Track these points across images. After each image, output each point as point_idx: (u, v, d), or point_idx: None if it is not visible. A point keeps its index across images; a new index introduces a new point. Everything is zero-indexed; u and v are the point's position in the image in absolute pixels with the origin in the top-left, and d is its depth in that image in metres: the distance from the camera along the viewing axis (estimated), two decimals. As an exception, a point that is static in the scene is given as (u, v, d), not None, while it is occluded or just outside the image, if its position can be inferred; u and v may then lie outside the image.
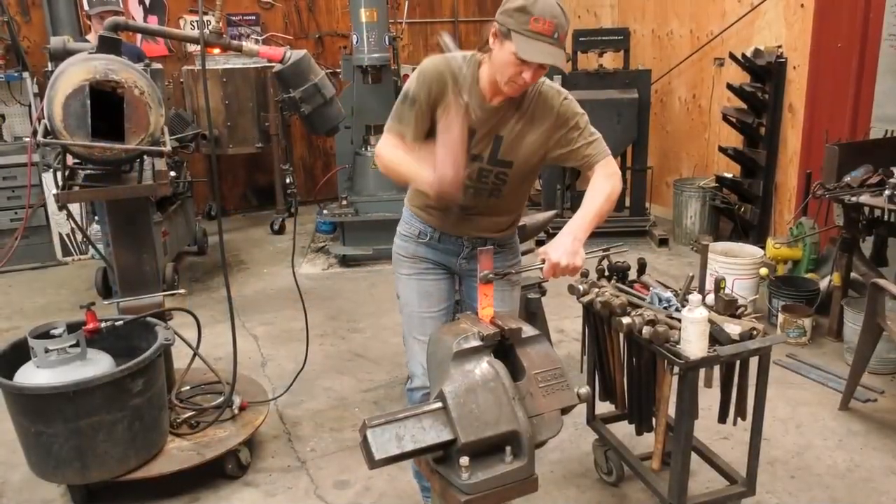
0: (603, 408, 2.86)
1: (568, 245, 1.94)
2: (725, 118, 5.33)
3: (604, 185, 2.09)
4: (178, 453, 2.80)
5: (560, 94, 2.13)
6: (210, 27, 2.85)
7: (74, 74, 2.59)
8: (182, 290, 3.57)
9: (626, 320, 2.32)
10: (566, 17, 1.95)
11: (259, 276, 5.39)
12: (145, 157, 2.90)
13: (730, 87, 5.22)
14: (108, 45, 2.73)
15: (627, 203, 5.90)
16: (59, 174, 2.81)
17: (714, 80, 5.73)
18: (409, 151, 2.09)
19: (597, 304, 2.48)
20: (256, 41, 6.25)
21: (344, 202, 5.52)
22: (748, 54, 5.07)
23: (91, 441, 2.56)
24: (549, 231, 4.07)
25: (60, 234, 5.70)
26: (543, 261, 1.95)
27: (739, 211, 5.30)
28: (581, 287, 2.59)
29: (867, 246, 3.99)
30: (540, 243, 2.63)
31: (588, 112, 2.18)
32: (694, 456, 2.50)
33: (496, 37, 1.97)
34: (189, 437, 2.89)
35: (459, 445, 1.58)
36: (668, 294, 2.47)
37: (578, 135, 2.12)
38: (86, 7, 5.41)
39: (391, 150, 2.12)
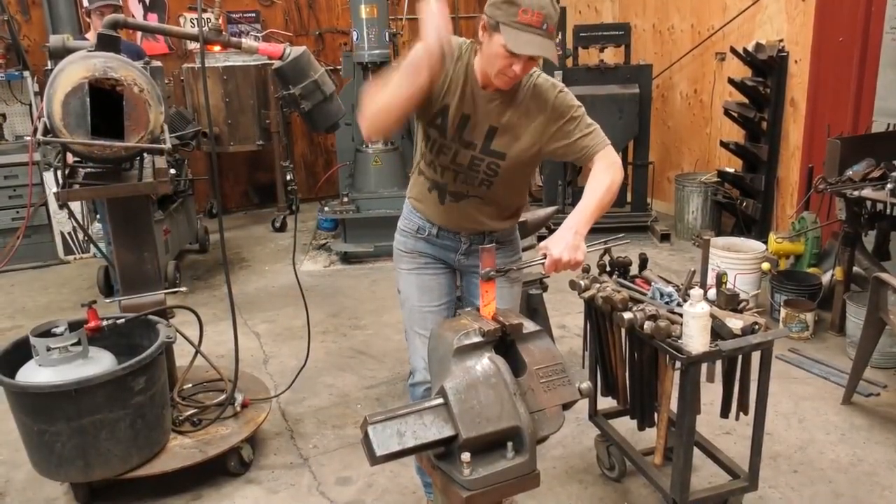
0: (605, 403, 2.85)
1: (569, 240, 1.93)
2: (727, 113, 5.32)
3: (603, 176, 2.06)
4: (181, 451, 2.81)
5: (555, 88, 2.11)
6: (210, 25, 2.85)
7: (73, 72, 2.59)
8: (183, 288, 3.56)
9: (627, 315, 2.32)
10: (555, 8, 1.93)
11: (261, 274, 5.39)
12: (145, 154, 2.91)
13: (731, 81, 5.21)
14: (106, 43, 2.73)
15: (629, 198, 5.89)
16: (59, 173, 2.81)
17: (715, 75, 5.71)
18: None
19: (598, 300, 2.47)
20: (256, 38, 6.27)
21: (345, 199, 5.52)
22: (749, 49, 5.05)
23: (93, 439, 2.56)
24: (550, 227, 4.07)
25: (62, 233, 5.70)
26: (545, 256, 1.94)
27: (741, 206, 5.29)
28: (582, 282, 2.59)
29: (869, 240, 3.98)
30: (541, 239, 2.63)
31: (589, 107, 2.16)
32: (696, 451, 2.50)
33: (485, 29, 1.97)
34: (191, 434, 2.89)
35: (461, 441, 1.57)
36: (670, 289, 2.46)
37: (575, 127, 2.09)
38: (85, 3, 5.41)
39: (371, 95, 2.00)
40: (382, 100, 1.95)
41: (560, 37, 5.69)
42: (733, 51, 5.18)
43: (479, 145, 2.12)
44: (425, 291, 2.32)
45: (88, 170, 2.97)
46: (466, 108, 2.08)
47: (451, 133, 2.11)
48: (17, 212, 5.51)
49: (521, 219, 2.79)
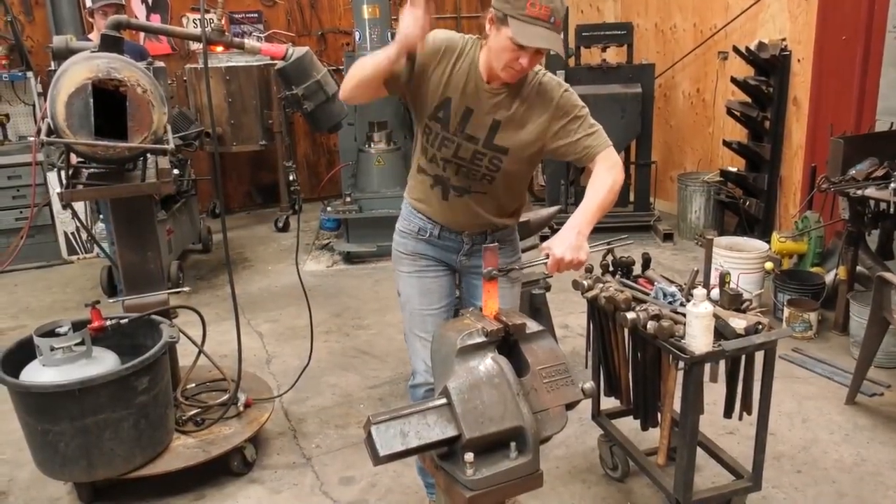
0: (608, 403, 2.85)
1: (571, 240, 1.94)
2: (730, 112, 5.31)
3: (605, 177, 2.08)
4: (184, 451, 2.81)
5: (560, 87, 2.13)
6: (212, 25, 2.85)
7: (77, 73, 2.59)
8: (186, 288, 3.58)
9: (630, 315, 2.32)
10: (562, 2, 1.96)
11: (264, 274, 5.39)
12: (148, 155, 2.91)
13: (734, 80, 5.20)
14: (110, 44, 2.74)
15: (631, 198, 5.88)
16: (62, 173, 2.82)
17: (718, 74, 5.70)
18: None
19: (601, 300, 2.47)
20: (258, 38, 6.27)
21: (348, 199, 5.52)
22: (752, 48, 5.05)
23: (97, 439, 2.56)
24: (552, 227, 4.07)
25: (65, 233, 5.71)
26: (547, 256, 1.95)
27: (744, 205, 5.28)
28: (585, 282, 2.58)
29: (873, 239, 3.97)
30: (544, 239, 2.63)
31: (591, 107, 2.17)
32: (699, 451, 2.49)
33: (493, 23, 1.99)
34: (194, 434, 2.90)
35: (464, 441, 1.57)
36: (673, 289, 2.46)
37: (578, 126, 2.11)
38: (88, 3, 5.42)
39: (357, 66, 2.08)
40: (360, 74, 2.04)
41: (562, 36, 5.69)
42: (736, 50, 5.17)
43: (481, 139, 2.13)
44: (426, 294, 2.32)
45: (92, 170, 2.98)
46: (470, 101, 2.09)
47: (453, 126, 2.12)
48: (21, 212, 5.51)
49: (524, 218, 2.80)
